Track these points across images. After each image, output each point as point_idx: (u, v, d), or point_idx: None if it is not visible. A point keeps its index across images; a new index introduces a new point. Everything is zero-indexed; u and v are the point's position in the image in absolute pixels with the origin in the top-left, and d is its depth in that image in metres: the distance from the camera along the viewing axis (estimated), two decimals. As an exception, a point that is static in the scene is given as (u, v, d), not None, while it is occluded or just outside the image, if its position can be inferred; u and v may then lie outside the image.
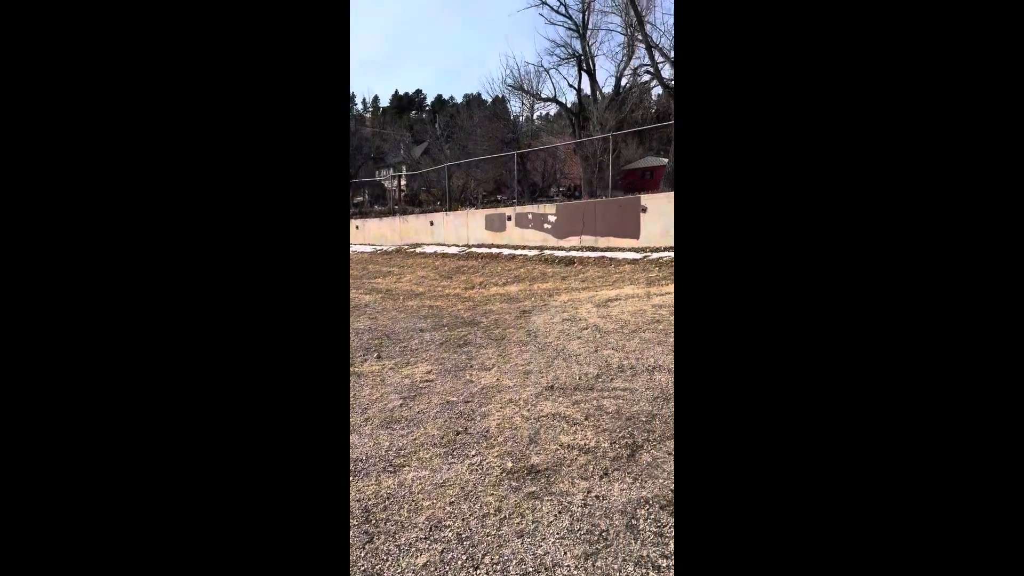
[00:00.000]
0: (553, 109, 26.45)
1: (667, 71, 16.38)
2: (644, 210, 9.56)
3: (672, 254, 8.48)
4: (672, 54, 16.14)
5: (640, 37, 15.97)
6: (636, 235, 9.66)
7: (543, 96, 22.31)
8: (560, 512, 1.81)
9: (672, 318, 4.57)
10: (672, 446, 2.24)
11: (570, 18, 19.38)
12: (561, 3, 19.14)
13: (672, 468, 2.07)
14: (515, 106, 25.89)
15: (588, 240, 10.47)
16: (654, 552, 1.59)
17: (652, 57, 16.23)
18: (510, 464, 2.16)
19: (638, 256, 8.70)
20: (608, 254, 9.23)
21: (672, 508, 1.80)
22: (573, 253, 9.69)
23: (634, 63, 19.72)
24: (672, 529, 1.69)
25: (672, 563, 1.54)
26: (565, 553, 1.60)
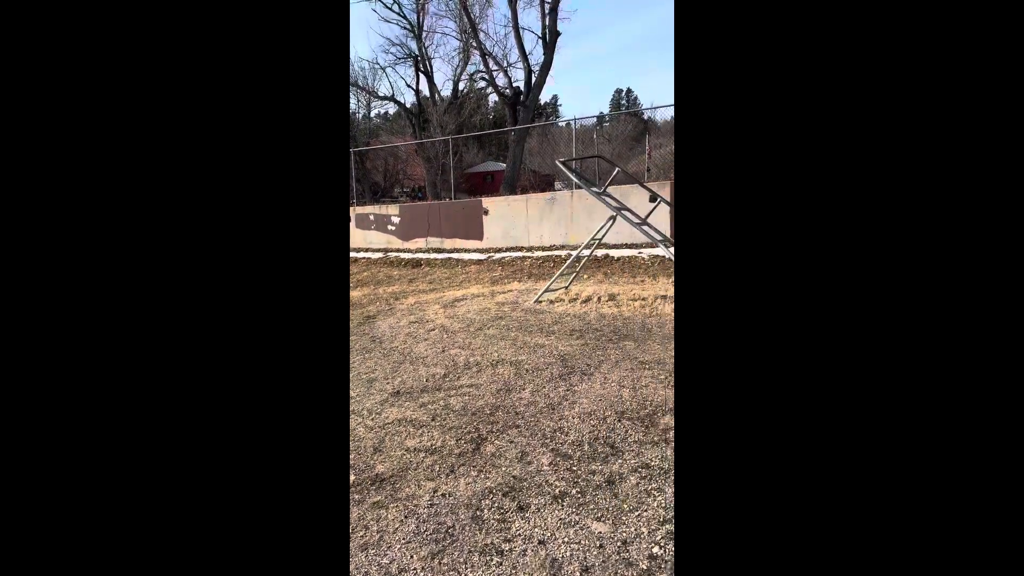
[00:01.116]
0: (392, 108, 25.82)
1: (501, 79, 17.17)
2: (486, 212, 9.90)
3: (512, 254, 8.94)
4: (505, 63, 16.99)
5: (475, 44, 16.47)
6: (480, 236, 9.95)
7: (380, 94, 21.65)
8: (406, 517, 1.79)
9: (515, 313, 4.83)
10: (514, 435, 2.37)
11: (405, 17, 19.13)
12: (395, 1, 18.78)
13: (513, 454, 2.19)
14: (351, 103, 24.66)
15: (434, 242, 10.46)
16: (498, 538, 1.66)
17: (487, 64, 16.87)
18: (353, 477, 2.06)
19: (483, 257, 8.98)
20: (455, 255, 9.35)
21: (512, 494, 1.91)
22: (420, 255, 9.60)
23: (470, 68, 20.28)
24: (514, 514, 1.79)
25: (513, 545, 1.63)
26: (411, 556, 1.59)
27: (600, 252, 8.04)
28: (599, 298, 5.19)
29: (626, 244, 8.57)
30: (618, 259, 7.54)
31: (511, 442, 2.30)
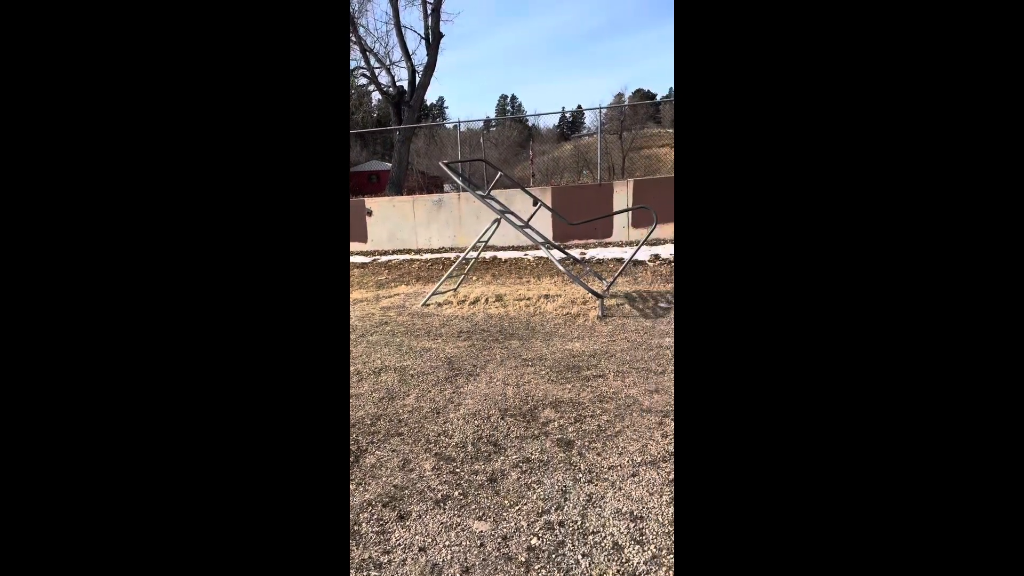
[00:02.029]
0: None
1: (384, 77, 16.65)
2: (370, 213, 9.52)
3: (399, 257, 8.71)
4: (388, 61, 16.50)
5: (354, 39, 15.77)
6: (364, 239, 9.54)
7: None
8: (274, 544, 1.64)
9: (401, 318, 4.70)
10: (396, 443, 2.30)
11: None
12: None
13: (395, 463, 2.12)
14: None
15: (313, 245, 9.79)
16: (376, 551, 1.60)
17: (368, 61, 16.25)
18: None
19: (367, 260, 8.62)
20: (336, 259, 8.83)
21: (393, 504, 1.85)
22: (296, 259, 8.91)
23: (352, 64, 19.37)
24: (394, 524, 1.73)
25: (393, 556, 1.58)
26: (279, 587, 1.46)
27: (488, 254, 8.16)
28: (487, 299, 5.26)
29: (513, 246, 8.80)
30: (505, 261, 7.72)
31: (393, 451, 2.23)
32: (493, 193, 5.65)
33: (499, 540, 1.63)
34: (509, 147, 26.19)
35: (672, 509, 1.74)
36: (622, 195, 8.60)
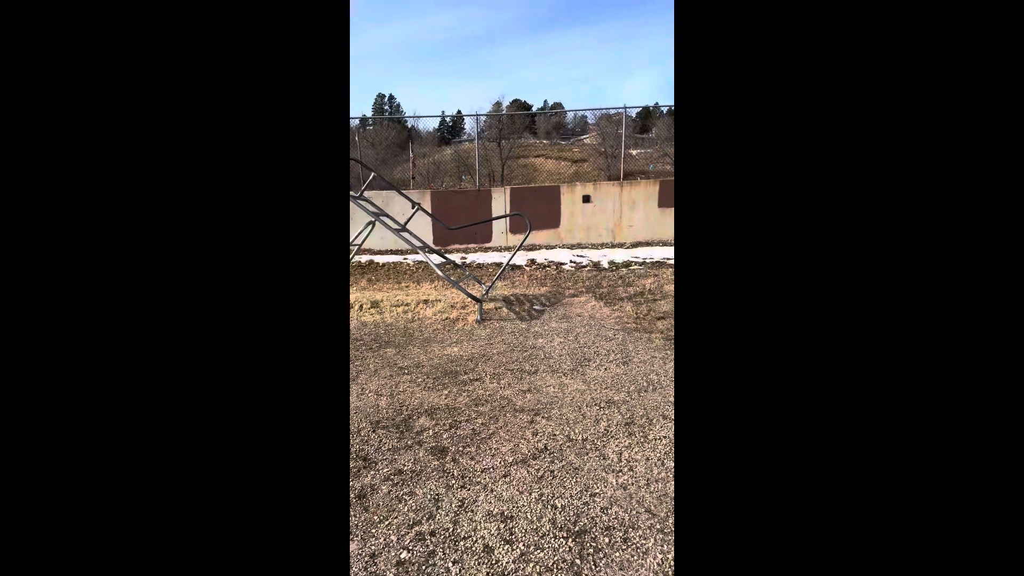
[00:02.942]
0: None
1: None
2: (227, 213, 8.56)
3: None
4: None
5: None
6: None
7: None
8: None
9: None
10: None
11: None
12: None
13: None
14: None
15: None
16: None
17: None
18: None
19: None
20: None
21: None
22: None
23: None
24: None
25: None
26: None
27: (364, 258, 7.81)
28: (361, 306, 5.03)
29: (392, 250, 8.54)
30: (383, 265, 7.46)
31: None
32: (370, 195, 5.42)
33: (366, 559, 1.56)
34: (388, 148, 25.36)
35: (539, 506, 1.82)
36: (500, 201, 8.83)
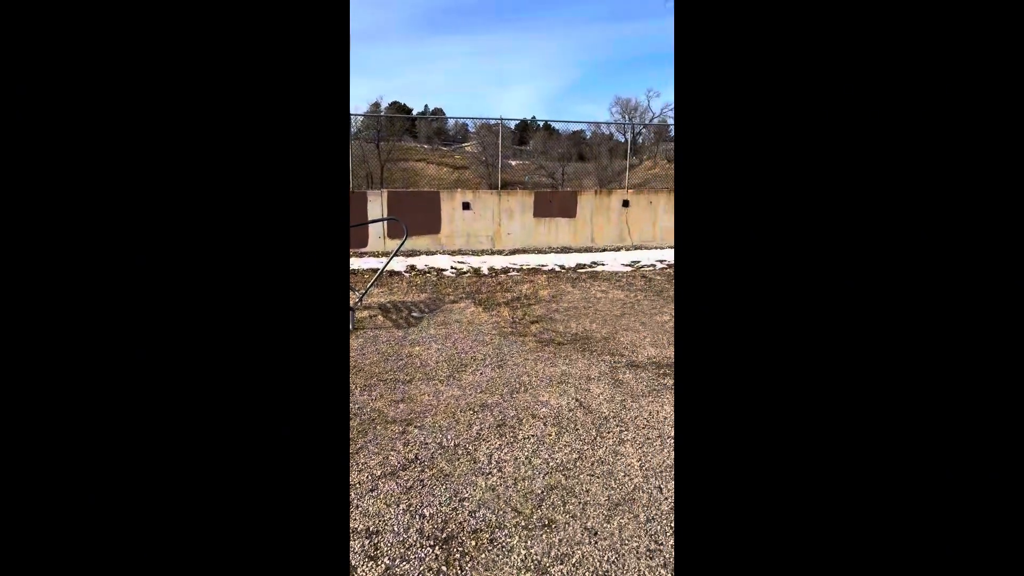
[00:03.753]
0: None
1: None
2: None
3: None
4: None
5: None
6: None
7: None
8: None
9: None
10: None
11: None
12: None
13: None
14: None
15: None
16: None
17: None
18: None
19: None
20: None
21: None
22: None
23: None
24: None
25: None
26: None
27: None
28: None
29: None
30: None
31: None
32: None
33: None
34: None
35: (407, 517, 1.79)
36: (376, 205, 8.55)
